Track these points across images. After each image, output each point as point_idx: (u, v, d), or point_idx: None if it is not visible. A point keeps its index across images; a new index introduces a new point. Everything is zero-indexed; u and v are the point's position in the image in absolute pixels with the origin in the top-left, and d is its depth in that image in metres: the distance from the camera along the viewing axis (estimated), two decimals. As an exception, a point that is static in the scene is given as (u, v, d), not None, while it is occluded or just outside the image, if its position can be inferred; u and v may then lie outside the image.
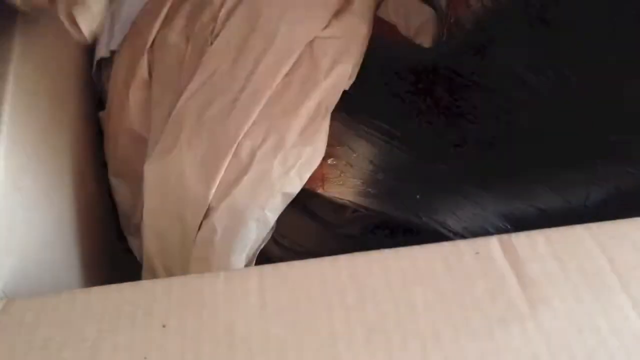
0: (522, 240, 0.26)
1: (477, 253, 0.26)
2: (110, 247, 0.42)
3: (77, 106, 0.41)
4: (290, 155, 0.35)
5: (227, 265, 0.35)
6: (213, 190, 0.34)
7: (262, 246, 0.36)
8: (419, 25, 0.50)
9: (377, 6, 0.51)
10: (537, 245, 0.26)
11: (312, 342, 0.23)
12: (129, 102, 0.40)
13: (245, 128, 0.35)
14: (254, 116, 0.35)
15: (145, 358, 0.23)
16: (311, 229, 0.44)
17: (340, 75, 0.38)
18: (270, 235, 0.37)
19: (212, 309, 0.24)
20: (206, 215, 0.35)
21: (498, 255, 0.26)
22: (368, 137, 0.39)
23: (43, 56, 0.37)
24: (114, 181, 0.41)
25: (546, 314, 0.23)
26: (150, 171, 0.36)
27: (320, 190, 0.37)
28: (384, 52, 0.46)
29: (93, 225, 0.40)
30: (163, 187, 0.35)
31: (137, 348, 0.23)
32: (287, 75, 0.37)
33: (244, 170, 0.35)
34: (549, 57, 0.42)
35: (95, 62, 0.44)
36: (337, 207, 0.43)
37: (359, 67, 0.40)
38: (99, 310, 0.25)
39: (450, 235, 0.35)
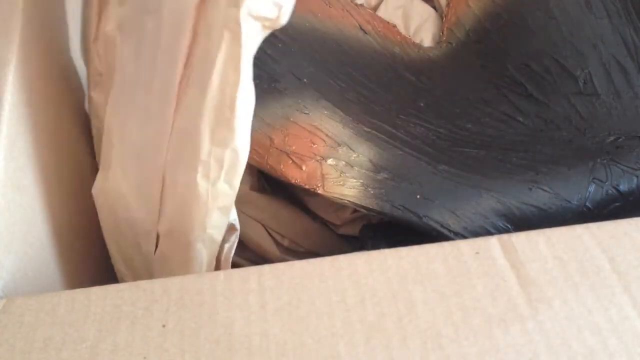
0: (522, 240, 0.26)
1: (477, 253, 0.26)
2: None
3: (77, 106, 0.41)
4: (210, 165, 0.30)
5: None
6: (156, 218, 0.32)
7: (231, 253, 0.35)
8: (418, 25, 0.50)
9: (377, 5, 0.51)
10: (537, 245, 0.26)
11: (312, 342, 0.23)
12: (93, 102, 0.37)
13: (165, 145, 0.30)
14: (168, 128, 0.30)
15: (144, 358, 0.23)
16: (311, 229, 0.44)
17: (230, 39, 0.29)
18: (236, 242, 0.35)
19: (211, 309, 0.24)
20: (157, 242, 0.32)
21: (498, 255, 0.26)
22: (368, 137, 0.39)
23: (43, 55, 0.37)
24: None
25: (546, 314, 0.23)
26: (98, 194, 0.33)
27: (320, 191, 0.37)
28: (383, 52, 0.46)
29: (93, 226, 0.40)
30: (113, 211, 0.33)
31: (137, 348, 0.23)
32: (188, 59, 0.30)
33: (172, 195, 0.31)
34: (548, 57, 0.42)
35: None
36: (337, 207, 0.43)
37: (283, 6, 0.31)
38: (99, 310, 0.25)
39: (450, 235, 0.35)
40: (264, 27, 0.30)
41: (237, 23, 0.29)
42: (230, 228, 0.34)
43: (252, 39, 0.30)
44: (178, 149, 0.30)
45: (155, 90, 0.30)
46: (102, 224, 0.34)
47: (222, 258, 0.34)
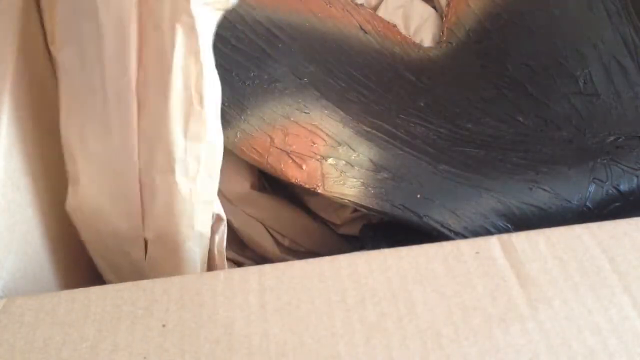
0: (522, 240, 0.26)
1: (477, 253, 0.26)
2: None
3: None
4: (188, 162, 0.29)
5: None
6: (140, 225, 0.30)
7: (223, 244, 0.34)
8: (418, 25, 0.50)
9: (377, 5, 0.51)
10: (537, 245, 0.26)
11: (312, 342, 0.23)
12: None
13: (134, 152, 0.29)
14: (134, 134, 0.29)
15: (144, 358, 0.23)
16: (311, 228, 0.44)
17: (184, 32, 0.27)
18: (225, 231, 0.34)
19: (211, 309, 0.24)
20: (145, 247, 0.32)
21: (498, 255, 0.26)
22: (368, 136, 0.39)
23: (43, 55, 0.37)
24: None
25: (546, 314, 0.23)
26: (72, 211, 0.31)
27: (320, 190, 0.37)
28: (384, 52, 0.46)
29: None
30: (92, 226, 0.32)
31: (137, 348, 0.23)
32: (139, 60, 0.28)
33: (153, 200, 0.30)
34: (548, 57, 0.42)
35: None
36: (337, 206, 0.43)
37: None
38: (99, 310, 0.25)
39: (451, 235, 0.35)
40: (217, 9, 0.29)
41: (189, 14, 0.27)
42: (217, 219, 0.34)
43: (207, 26, 0.28)
44: (150, 153, 0.29)
45: (110, 98, 0.28)
46: (83, 239, 0.33)
47: (215, 251, 0.34)
